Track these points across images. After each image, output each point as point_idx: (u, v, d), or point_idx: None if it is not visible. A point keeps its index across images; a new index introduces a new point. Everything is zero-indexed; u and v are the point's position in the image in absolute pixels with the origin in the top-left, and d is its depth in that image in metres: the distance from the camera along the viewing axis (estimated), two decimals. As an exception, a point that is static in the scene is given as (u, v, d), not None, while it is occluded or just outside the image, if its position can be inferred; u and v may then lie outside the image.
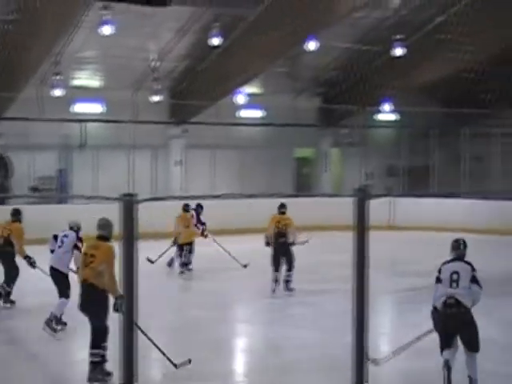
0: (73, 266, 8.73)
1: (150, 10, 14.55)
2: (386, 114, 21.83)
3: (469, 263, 6.65)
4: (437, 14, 16.83)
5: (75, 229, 9.07)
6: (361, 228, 2.77)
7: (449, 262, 6.72)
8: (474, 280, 6.45)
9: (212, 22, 16.06)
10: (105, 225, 7.03)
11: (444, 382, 6.30)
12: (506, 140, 20.37)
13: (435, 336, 6.59)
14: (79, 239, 8.99)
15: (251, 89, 19.81)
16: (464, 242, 6.85)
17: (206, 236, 13.54)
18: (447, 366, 6.35)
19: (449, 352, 6.42)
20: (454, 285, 6.46)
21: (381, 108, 21.25)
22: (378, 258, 13.80)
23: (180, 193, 19.29)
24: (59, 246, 8.94)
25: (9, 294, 10.42)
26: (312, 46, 16.49)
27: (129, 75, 18.50)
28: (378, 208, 14.68)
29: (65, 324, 8.77)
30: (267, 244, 11.39)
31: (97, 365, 6.84)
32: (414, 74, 18.91)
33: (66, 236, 8.99)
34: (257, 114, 20.98)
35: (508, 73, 18.04)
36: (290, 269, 11.19)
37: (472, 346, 6.39)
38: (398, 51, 17.53)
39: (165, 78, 18.84)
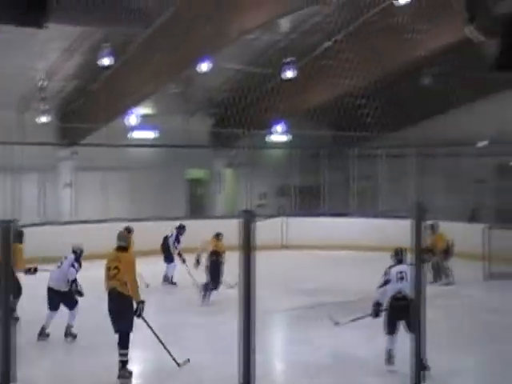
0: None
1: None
2: (278, 135, 22.20)
3: (407, 263, 8.47)
4: (323, 39, 17.38)
5: (78, 252, 9.84)
6: (247, 249, 2.77)
7: (394, 265, 8.57)
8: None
9: (102, 41, 15.79)
10: (124, 237, 8.21)
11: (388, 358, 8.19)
12: (390, 160, 21.22)
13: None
14: (78, 263, 9.76)
15: (143, 110, 19.61)
16: (402, 251, 8.66)
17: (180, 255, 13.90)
18: (389, 355, 8.24)
19: (391, 338, 8.27)
20: (401, 282, 8.33)
21: (273, 129, 21.59)
22: (271, 276, 14.03)
23: (69, 217, 18.75)
24: (58, 267, 9.71)
25: (12, 310, 10.34)
26: (204, 67, 16.56)
27: (14, 95, 17.86)
28: (270, 227, 14.80)
29: (75, 336, 9.59)
30: (197, 262, 12.40)
31: (125, 363, 7.79)
32: (304, 97, 19.36)
33: (65, 258, 9.79)
34: (149, 135, 20.77)
35: (387, 98, 18.82)
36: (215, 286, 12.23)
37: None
38: (289, 74, 17.93)
39: (53, 99, 18.33)
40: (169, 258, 14.14)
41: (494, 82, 17.23)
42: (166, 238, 14.23)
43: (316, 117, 19.94)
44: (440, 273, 14.38)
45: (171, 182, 20.74)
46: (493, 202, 19.84)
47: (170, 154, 20.36)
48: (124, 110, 18.65)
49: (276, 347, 9.31)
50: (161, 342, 7.85)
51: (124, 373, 7.77)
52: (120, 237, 8.11)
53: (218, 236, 12.64)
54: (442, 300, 12.14)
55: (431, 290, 9.44)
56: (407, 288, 7.97)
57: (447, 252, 14.46)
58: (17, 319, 10.21)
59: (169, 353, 7.96)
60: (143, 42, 15.59)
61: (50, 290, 9.65)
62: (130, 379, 7.80)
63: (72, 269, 9.54)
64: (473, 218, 19.64)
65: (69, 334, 9.62)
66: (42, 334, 9.61)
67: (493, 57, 2.58)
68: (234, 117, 20.29)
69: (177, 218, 16.57)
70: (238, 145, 21.84)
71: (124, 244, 8.07)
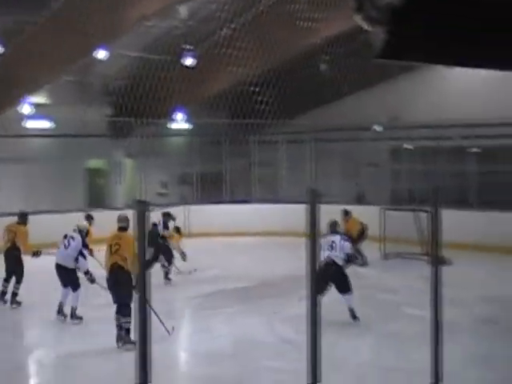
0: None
1: None
2: (179, 123, 22.05)
3: (340, 234, 10.32)
4: (221, 27, 17.39)
5: (82, 232, 10.34)
6: (141, 239, 2.76)
7: (326, 235, 9.90)
8: (345, 244, 9.95)
9: (-9, 29, 15.16)
10: (124, 219, 8.92)
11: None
12: (290, 147, 21.56)
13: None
14: (84, 245, 10.25)
15: (38, 99, 18.96)
16: (336, 223, 10.38)
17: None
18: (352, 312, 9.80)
19: (319, 297, 8.84)
20: (331, 250, 9.75)
21: (173, 118, 21.42)
22: (176, 266, 13.91)
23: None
24: (65, 247, 10.05)
25: (15, 294, 10.93)
26: (101, 54, 16.20)
27: None
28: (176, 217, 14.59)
29: (81, 318, 9.95)
30: None
31: (128, 330, 8.53)
32: (203, 85, 19.33)
33: (72, 238, 10.12)
34: (45, 124, 20.11)
35: (284, 85, 19.08)
36: None
37: (345, 289, 9.83)
38: (188, 61, 17.83)
39: None
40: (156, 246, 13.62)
41: (388, 69, 17.83)
42: (154, 225, 13.85)
43: (215, 105, 19.97)
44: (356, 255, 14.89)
45: (69, 173, 20.21)
46: (387, 185, 20.55)
47: (68, 145, 19.82)
48: (17, 100, 17.96)
49: (177, 337, 9.30)
50: (155, 312, 7.90)
51: (126, 338, 8.55)
52: (120, 219, 9.00)
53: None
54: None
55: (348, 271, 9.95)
56: (336, 256, 9.79)
57: (362, 235, 14.92)
58: (19, 303, 10.96)
59: (160, 321, 8.57)
60: (37, 28, 15.06)
61: (59, 267, 10.05)
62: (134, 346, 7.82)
63: (82, 259, 10.01)
64: (359, 200, 20.24)
65: (74, 316, 9.99)
66: (60, 312, 10.04)
67: (379, 45, 2.66)
68: (133, 105, 19.99)
69: (78, 210, 16.19)
70: (137, 134, 21.54)
71: (124, 225, 8.96)
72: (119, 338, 8.61)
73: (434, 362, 4.19)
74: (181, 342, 9.50)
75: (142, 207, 2.79)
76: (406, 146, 20.38)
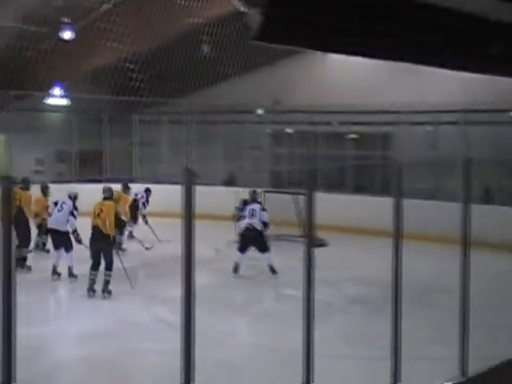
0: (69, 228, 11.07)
1: None
2: (56, 98, 21.23)
3: (259, 203, 12.62)
4: (101, 1, 16.88)
5: (72, 197, 11.39)
6: (7, 217, 2.61)
7: (248, 203, 12.22)
8: (263, 214, 12.07)
9: None
10: (108, 190, 10.86)
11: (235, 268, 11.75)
12: (172, 127, 21.35)
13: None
14: (75, 207, 11.28)
15: None
16: (255, 192, 12.73)
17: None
18: (236, 265, 11.85)
19: (241, 256, 11.97)
20: (252, 217, 11.85)
21: (51, 92, 20.61)
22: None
23: None
24: (58, 211, 11.20)
25: (25, 259, 11.44)
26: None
27: None
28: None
29: (76, 276, 11.07)
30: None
31: (109, 282, 10.21)
32: (83, 60, 18.71)
33: (64, 203, 11.27)
34: None
35: (167, 65, 18.83)
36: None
37: (264, 249, 11.98)
38: (67, 34, 17.19)
39: None
40: (135, 219, 14.75)
41: (271, 52, 17.99)
42: (135, 200, 14.60)
43: (96, 81, 19.40)
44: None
45: None
46: (268, 168, 20.84)
47: None
48: None
49: (47, 318, 9.02)
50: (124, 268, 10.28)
51: (107, 289, 10.17)
52: (105, 190, 10.77)
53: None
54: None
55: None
56: (255, 222, 11.85)
57: None
58: (29, 268, 11.59)
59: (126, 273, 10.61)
60: None
61: (52, 231, 11.27)
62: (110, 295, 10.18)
63: (72, 218, 11.07)
64: (230, 182, 20.38)
65: (71, 275, 11.11)
66: (55, 273, 11.17)
67: (256, 27, 2.64)
68: (6, 77, 19.03)
69: None
70: (11, 108, 20.55)
71: (108, 195, 10.75)
72: (105, 289, 10.20)
73: (307, 342, 4.27)
74: (53, 324, 9.22)
75: (7, 184, 2.64)
76: (287, 130, 20.72)
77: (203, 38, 18.57)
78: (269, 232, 15.61)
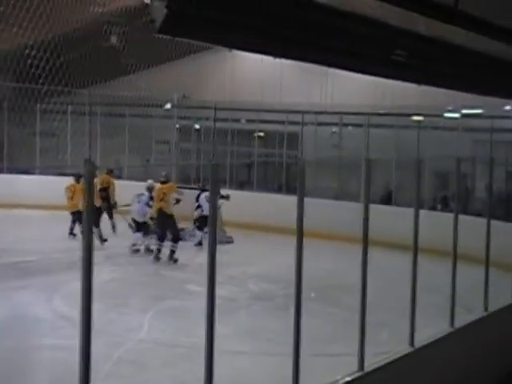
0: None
1: None
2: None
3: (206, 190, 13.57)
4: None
5: (151, 189, 13.48)
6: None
7: (202, 192, 14.08)
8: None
9: None
10: (165, 175, 13.41)
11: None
12: (77, 118, 20.79)
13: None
14: (151, 198, 13.34)
15: None
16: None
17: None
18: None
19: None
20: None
21: None
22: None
23: None
24: (138, 202, 13.49)
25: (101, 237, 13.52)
26: None
27: None
28: None
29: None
30: None
31: (174, 252, 12.72)
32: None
33: (143, 194, 13.50)
34: None
35: (74, 54, 18.35)
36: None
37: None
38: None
39: None
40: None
41: (181, 47, 17.88)
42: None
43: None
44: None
45: None
46: (175, 163, 20.69)
47: None
48: None
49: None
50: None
51: (174, 258, 12.91)
52: (162, 176, 13.20)
53: None
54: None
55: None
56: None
57: None
58: (105, 240, 13.55)
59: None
60: None
61: (133, 221, 13.54)
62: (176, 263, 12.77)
63: (147, 208, 13.36)
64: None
65: (148, 250, 13.54)
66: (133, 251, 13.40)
67: (160, 20, 2.62)
68: None
69: None
70: None
71: (165, 179, 13.27)
72: (171, 258, 12.70)
73: (209, 338, 4.28)
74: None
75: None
76: (195, 125, 20.65)
77: (111, 28, 18.24)
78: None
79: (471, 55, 6.71)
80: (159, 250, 12.78)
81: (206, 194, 13.21)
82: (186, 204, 14.20)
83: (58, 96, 20.28)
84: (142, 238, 13.58)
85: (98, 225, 13.28)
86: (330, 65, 5.68)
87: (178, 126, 20.96)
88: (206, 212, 12.92)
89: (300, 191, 4.84)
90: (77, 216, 13.54)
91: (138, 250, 13.46)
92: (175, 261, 12.68)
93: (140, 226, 13.55)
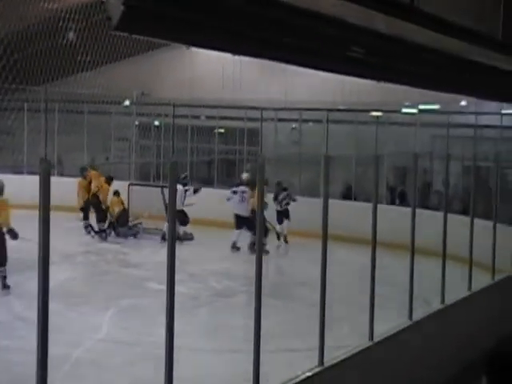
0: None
1: None
2: None
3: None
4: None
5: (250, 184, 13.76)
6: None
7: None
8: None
9: None
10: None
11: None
12: (33, 115, 20.41)
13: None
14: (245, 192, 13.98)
15: None
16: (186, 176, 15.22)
17: None
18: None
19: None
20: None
21: None
22: None
23: None
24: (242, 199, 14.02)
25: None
26: None
27: None
28: None
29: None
30: None
31: (254, 244, 10.87)
32: None
33: (243, 192, 14.01)
34: None
35: (29, 50, 18.00)
36: None
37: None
38: None
39: None
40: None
41: (139, 44, 17.70)
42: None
43: None
44: None
45: None
46: (134, 160, 20.55)
47: None
48: None
49: None
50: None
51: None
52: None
53: None
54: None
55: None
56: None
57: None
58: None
59: None
60: None
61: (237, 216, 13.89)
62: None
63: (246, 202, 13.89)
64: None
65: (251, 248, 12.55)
66: (234, 248, 13.61)
67: (117, 17, 2.59)
68: None
69: None
70: None
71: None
72: (251, 247, 12.60)
73: (169, 336, 4.26)
74: None
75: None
76: (155, 122, 20.50)
77: (68, 24, 17.97)
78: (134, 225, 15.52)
79: (429, 53, 6.80)
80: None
81: (181, 187, 13.44)
82: (153, 202, 14.18)
83: (13, 93, 19.90)
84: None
85: (86, 218, 14.91)
86: (288, 62, 5.68)
87: (137, 122, 20.80)
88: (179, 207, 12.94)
89: (260, 187, 4.84)
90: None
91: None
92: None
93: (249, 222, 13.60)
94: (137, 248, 14.21)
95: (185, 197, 14.13)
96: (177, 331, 4.27)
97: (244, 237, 13.63)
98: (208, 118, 19.38)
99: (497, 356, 3.44)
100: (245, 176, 14.60)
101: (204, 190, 15.50)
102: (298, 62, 5.79)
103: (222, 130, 19.74)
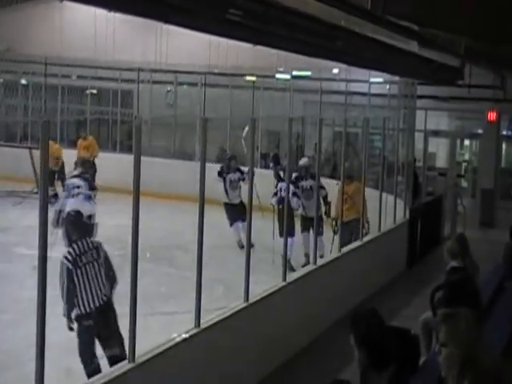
0: None
1: None
2: None
3: None
4: None
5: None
6: None
7: None
8: None
9: None
10: None
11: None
12: None
13: None
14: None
15: None
16: None
17: None
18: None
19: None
20: None
21: None
22: None
23: None
24: None
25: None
26: None
27: None
28: None
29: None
30: None
31: None
32: None
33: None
34: None
35: None
36: None
37: None
38: None
39: None
40: None
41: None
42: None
43: None
44: None
45: None
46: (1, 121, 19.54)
47: None
48: None
49: None
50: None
51: None
52: None
53: None
54: None
55: None
56: None
57: None
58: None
59: None
60: None
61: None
62: None
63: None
64: None
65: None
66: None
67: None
68: None
69: None
70: None
71: None
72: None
73: (41, 301, 4.12)
74: None
75: None
76: (22, 80, 19.49)
77: None
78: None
79: (302, 18, 6.90)
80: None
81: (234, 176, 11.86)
82: (20, 163, 13.55)
83: None
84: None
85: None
86: (165, 21, 5.56)
87: (1, 80, 19.69)
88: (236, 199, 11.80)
89: (136, 150, 4.74)
90: None
91: None
92: None
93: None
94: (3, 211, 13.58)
95: (240, 186, 11.90)
96: (47, 296, 4.14)
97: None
98: (79, 77, 18.66)
99: (358, 313, 3.63)
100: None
101: (75, 152, 15.01)
102: (176, 21, 5.68)
103: (95, 91, 19.10)
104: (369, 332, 3.44)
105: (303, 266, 9.62)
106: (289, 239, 7.96)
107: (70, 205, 8.98)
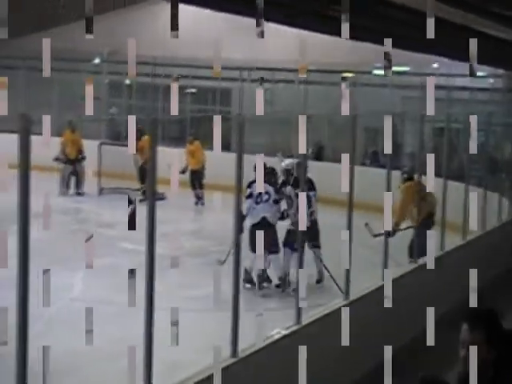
0: None
1: None
2: None
3: None
4: None
5: None
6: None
7: None
8: None
9: None
10: None
11: None
12: (4, 73, 19.90)
13: None
14: None
15: None
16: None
17: None
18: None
19: None
20: None
21: None
22: None
23: None
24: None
25: None
26: None
27: None
28: None
29: None
30: None
31: None
32: None
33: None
34: None
35: None
36: None
37: None
38: None
39: None
40: None
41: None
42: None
43: None
44: None
45: None
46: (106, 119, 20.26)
47: None
48: None
49: None
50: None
51: None
52: None
53: None
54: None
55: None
56: None
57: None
58: None
59: None
60: None
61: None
62: None
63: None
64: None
65: None
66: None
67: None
68: None
69: None
70: None
71: None
72: None
73: (148, 295, 4.25)
74: None
75: None
76: (126, 81, 20.14)
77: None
78: (104, 185, 15.36)
79: (399, 10, 6.78)
80: None
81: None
82: (124, 162, 14.02)
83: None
84: None
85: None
86: (267, 19, 5.60)
87: (107, 81, 20.41)
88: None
89: (239, 148, 4.80)
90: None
91: None
92: None
93: None
94: (108, 208, 14.09)
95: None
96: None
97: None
98: (182, 77, 19.10)
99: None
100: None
101: (175, 151, 15.35)
102: (276, 19, 5.72)
103: (194, 90, 19.46)
104: (500, 332, 3.31)
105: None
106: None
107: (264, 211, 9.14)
